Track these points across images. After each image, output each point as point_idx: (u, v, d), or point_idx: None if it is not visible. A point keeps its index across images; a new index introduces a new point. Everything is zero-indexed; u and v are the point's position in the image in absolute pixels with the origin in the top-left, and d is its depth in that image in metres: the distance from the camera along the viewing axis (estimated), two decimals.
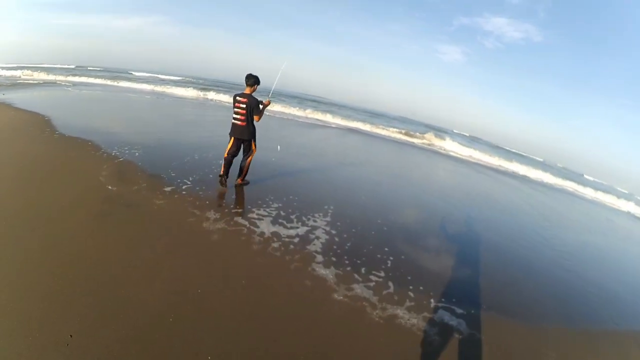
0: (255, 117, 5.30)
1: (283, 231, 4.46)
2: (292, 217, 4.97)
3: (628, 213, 16.77)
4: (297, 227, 4.67)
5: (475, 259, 5.02)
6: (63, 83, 24.33)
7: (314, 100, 44.48)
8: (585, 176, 38.13)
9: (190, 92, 26.96)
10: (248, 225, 4.42)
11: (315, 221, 4.98)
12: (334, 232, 4.77)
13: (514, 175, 17.71)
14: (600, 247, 7.96)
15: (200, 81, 46.69)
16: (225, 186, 5.58)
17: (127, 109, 14.45)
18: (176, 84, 34.82)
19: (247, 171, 5.78)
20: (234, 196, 5.40)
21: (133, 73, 46.67)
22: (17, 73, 28.23)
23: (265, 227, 4.48)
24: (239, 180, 5.84)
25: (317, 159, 9.99)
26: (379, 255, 4.39)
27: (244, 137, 5.44)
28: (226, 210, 4.79)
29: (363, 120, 26.27)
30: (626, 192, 31.64)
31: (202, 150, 7.89)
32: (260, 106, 5.28)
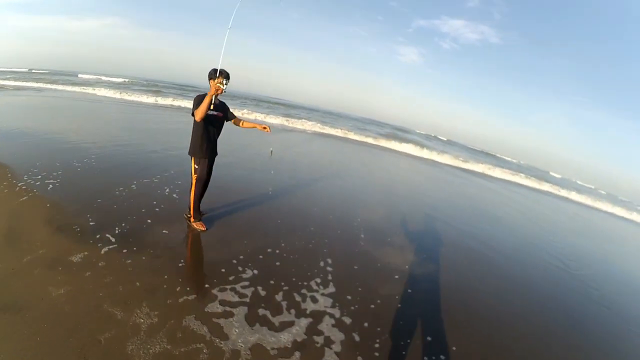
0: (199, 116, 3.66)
1: (269, 338, 2.68)
2: (279, 297, 3.21)
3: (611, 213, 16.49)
4: (291, 322, 2.91)
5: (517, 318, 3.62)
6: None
7: (269, 102, 42.74)
8: (551, 173, 38.66)
9: (140, 97, 23.35)
10: (209, 336, 2.58)
11: (314, 299, 3.28)
12: (347, 319, 3.08)
13: (482, 176, 16.79)
14: (619, 263, 7.35)
15: (152, 84, 43.15)
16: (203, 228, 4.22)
17: (63, 118, 11.95)
18: (125, 87, 31.57)
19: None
20: (181, 261, 3.49)
21: (79, 75, 42.51)
22: None
23: (239, 333, 2.68)
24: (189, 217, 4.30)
25: (292, 172, 8.19)
26: None
27: (215, 155, 4.14)
28: (170, 298, 2.92)
29: (327, 124, 24.76)
30: (592, 187, 32.46)
31: (144, 173, 5.96)
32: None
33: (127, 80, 42.61)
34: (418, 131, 51.95)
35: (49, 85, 25.65)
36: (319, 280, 3.59)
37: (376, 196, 7.69)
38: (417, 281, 4.06)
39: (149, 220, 4.17)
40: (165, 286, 3.03)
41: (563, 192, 18.89)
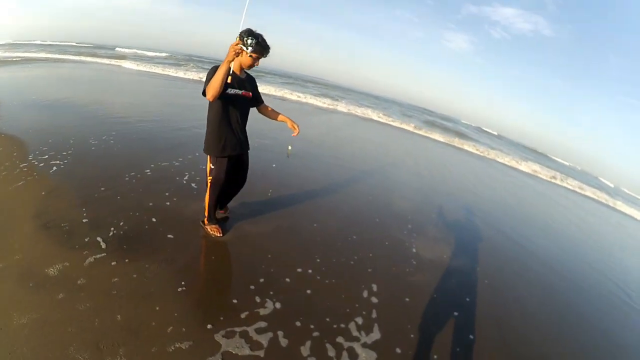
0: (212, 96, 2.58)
1: None
2: (305, 349, 2.35)
3: None
4: None
5: None
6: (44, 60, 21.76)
7: (315, 82, 42.13)
8: (601, 179, 35.67)
9: (176, 72, 22.48)
10: None
11: (352, 354, 2.39)
12: None
13: (534, 177, 15.11)
14: None
15: (190, 58, 43.00)
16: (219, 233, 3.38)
17: (92, 90, 11.61)
18: (160, 61, 31.20)
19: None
20: (182, 284, 2.68)
21: (116, 49, 42.97)
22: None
23: None
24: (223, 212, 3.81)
25: (332, 161, 7.24)
26: None
27: (246, 149, 3.21)
28: (156, 344, 2.14)
29: (372, 108, 23.56)
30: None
31: (165, 155, 5.28)
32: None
33: (165, 54, 42.75)
34: (464, 122, 49.78)
35: (88, 58, 25.71)
36: (360, 321, 2.69)
37: (425, 195, 6.63)
38: (483, 321, 3.10)
39: (153, 219, 3.44)
40: (153, 323, 2.25)
41: (621, 205, 16.63)
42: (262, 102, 3.13)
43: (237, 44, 2.49)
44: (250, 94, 2.93)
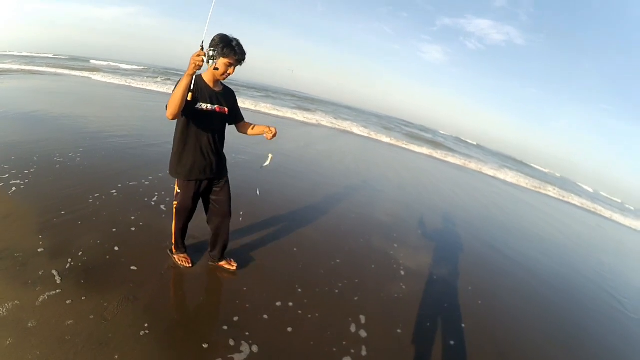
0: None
1: None
2: None
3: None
4: None
5: None
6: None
7: (289, 94, 42.10)
8: (580, 184, 36.71)
9: (149, 85, 21.43)
10: None
11: None
12: None
13: (515, 186, 15.28)
14: None
15: (167, 72, 42.30)
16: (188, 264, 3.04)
17: (63, 103, 11.35)
18: (136, 74, 30.44)
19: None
20: (145, 326, 2.39)
21: (91, 61, 41.87)
22: None
23: None
24: (226, 263, 3.16)
25: (313, 176, 7.01)
26: None
27: (221, 173, 2.76)
28: None
29: (351, 120, 23.68)
30: (619, 200, 30.47)
31: (133, 173, 4.97)
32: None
33: (142, 67, 42.05)
34: (442, 132, 50.83)
35: (62, 70, 24.89)
36: None
37: (410, 210, 6.49)
38: (481, 350, 2.88)
39: (116, 248, 3.12)
40: None
41: (601, 210, 17.00)
42: (243, 118, 2.75)
43: (198, 55, 2.04)
44: (227, 109, 2.54)
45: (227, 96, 2.57)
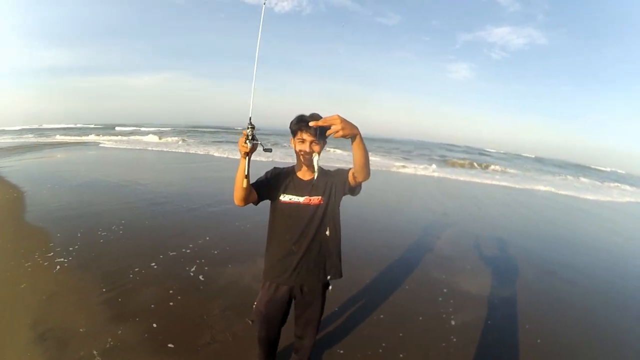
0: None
1: None
2: None
3: None
4: None
5: None
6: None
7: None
8: None
9: (195, 148, 22.59)
10: None
11: None
12: None
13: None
14: None
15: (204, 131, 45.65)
16: None
17: (101, 172, 12.28)
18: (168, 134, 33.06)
19: None
20: None
21: (116, 128, 45.87)
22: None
23: None
24: None
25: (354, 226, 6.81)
26: None
27: (309, 281, 2.24)
28: None
29: (401, 155, 24.02)
30: None
31: (174, 242, 5.16)
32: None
33: (170, 128, 45.21)
34: (491, 150, 49.96)
35: (97, 138, 27.79)
36: None
37: (455, 243, 6.06)
38: None
39: (154, 325, 3.28)
40: None
41: None
42: (355, 187, 2.11)
43: (242, 138, 1.79)
44: (320, 198, 2.12)
45: (324, 181, 2.15)
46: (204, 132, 45.83)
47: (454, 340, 3.41)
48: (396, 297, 4.15)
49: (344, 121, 1.65)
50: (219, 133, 42.97)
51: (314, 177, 2.03)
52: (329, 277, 2.23)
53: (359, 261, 5.04)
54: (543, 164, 36.28)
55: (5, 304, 3.53)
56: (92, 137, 29.41)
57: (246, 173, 1.86)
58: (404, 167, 18.72)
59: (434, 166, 19.42)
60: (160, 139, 28.52)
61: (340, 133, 1.65)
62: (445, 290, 4.39)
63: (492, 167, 22.56)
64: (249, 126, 1.76)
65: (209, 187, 9.59)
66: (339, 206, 2.16)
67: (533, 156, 48.66)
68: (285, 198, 2.11)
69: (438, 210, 8.81)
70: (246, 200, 1.96)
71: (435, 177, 16.20)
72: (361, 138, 1.74)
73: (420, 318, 3.75)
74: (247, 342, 3.06)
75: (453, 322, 3.70)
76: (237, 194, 1.92)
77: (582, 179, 21.21)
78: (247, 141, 1.75)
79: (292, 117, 2.03)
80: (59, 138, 28.87)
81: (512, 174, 21.17)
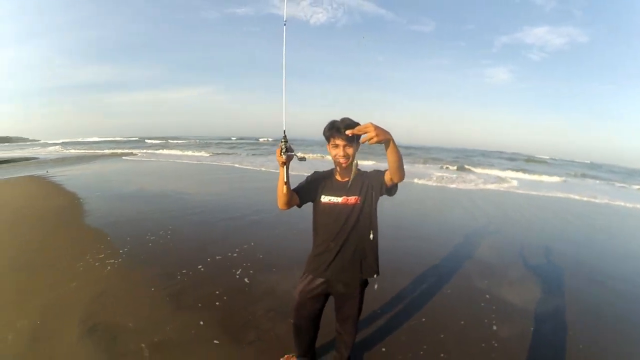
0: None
1: None
2: None
3: None
4: None
5: None
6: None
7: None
8: None
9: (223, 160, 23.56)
10: None
11: None
12: None
13: None
14: None
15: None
16: None
17: (148, 182, 12.94)
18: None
19: None
20: None
21: (146, 140, 48.33)
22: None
23: None
24: None
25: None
26: None
27: (345, 277, 2.36)
28: None
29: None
30: None
31: (219, 247, 5.34)
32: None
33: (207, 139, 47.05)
34: (544, 156, 47.64)
35: (139, 151, 29.20)
36: None
37: (497, 251, 5.57)
38: None
39: (201, 322, 3.38)
40: None
41: None
42: (391, 188, 2.22)
43: (278, 150, 2.04)
44: (357, 198, 2.26)
45: (360, 182, 2.28)
46: (238, 144, 48.14)
47: (495, 345, 3.28)
48: (438, 301, 4.08)
49: (377, 128, 1.79)
50: (253, 144, 44.61)
51: (349, 179, 2.18)
52: (364, 275, 2.34)
53: (404, 265, 5.01)
54: (600, 170, 34.13)
55: (58, 299, 3.79)
56: (129, 150, 31.80)
57: (285, 180, 2.11)
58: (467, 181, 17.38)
59: (514, 182, 17.62)
60: (195, 152, 30.60)
61: (375, 139, 1.78)
62: (487, 296, 4.23)
63: (559, 178, 21.13)
64: (283, 140, 2.03)
65: (248, 197, 9.84)
66: (376, 206, 2.28)
67: (588, 162, 46.15)
68: (324, 199, 2.31)
69: (482, 218, 8.51)
70: (289, 204, 2.21)
71: (520, 193, 13.92)
72: (394, 143, 1.87)
73: (462, 322, 3.64)
74: (290, 342, 3.07)
75: (495, 327, 3.56)
76: (280, 199, 2.17)
77: (634, 187, 19.63)
78: (282, 153, 2.01)
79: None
80: (98, 151, 31.55)
81: (575, 183, 19.74)
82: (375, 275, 2.33)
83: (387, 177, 2.15)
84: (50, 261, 4.81)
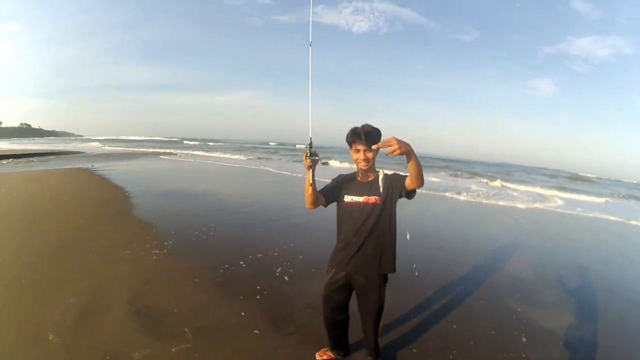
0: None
1: None
2: None
3: None
4: None
5: None
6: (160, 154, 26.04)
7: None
8: None
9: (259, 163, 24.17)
10: None
11: None
12: None
13: None
14: None
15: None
16: None
17: (197, 180, 13.50)
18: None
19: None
20: None
21: (184, 142, 49.60)
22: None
23: None
24: None
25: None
26: None
27: (365, 271, 2.51)
28: None
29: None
30: None
31: (260, 246, 5.47)
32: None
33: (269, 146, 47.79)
34: (586, 174, 44.96)
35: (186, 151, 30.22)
36: None
37: (535, 268, 5.41)
38: None
39: (242, 313, 3.49)
40: None
41: None
42: (411, 192, 2.36)
43: (304, 155, 2.29)
44: (377, 198, 2.42)
45: (378, 183, 2.42)
46: (277, 149, 49.40)
47: (524, 356, 3.21)
48: (469, 310, 4.05)
49: (399, 142, 1.99)
50: (291, 150, 45.77)
51: (369, 180, 2.49)
52: (383, 270, 2.49)
53: (439, 273, 4.99)
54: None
55: (106, 281, 4.04)
56: (168, 150, 32.93)
57: (311, 182, 2.33)
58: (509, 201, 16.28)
59: (559, 201, 16.63)
60: (232, 154, 31.91)
61: (397, 152, 1.98)
62: (519, 309, 4.14)
63: (603, 198, 19.80)
64: (308, 146, 2.28)
65: (288, 201, 10.01)
66: (395, 206, 2.46)
67: (635, 181, 43.46)
68: (347, 198, 2.50)
69: (520, 235, 8.25)
70: (315, 204, 2.44)
71: (560, 212, 12.87)
72: (414, 155, 2.07)
73: (492, 332, 3.59)
74: (326, 338, 3.13)
75: (524, 340, 3.48)
76: (307, 199, 2.41)
77: None
78: (308, 158, 2.25)
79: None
80: (138, 149, 32.83)
81: (619, 204, 18.41)
82: (392, 272, 2.50)
83: (407, 181, 2.31)
84: (99, 246, 5.13)
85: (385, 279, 2.54)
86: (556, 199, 17.02)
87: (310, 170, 2.31)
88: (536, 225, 9.97)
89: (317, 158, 2.31)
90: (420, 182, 2.22)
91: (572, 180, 34.02)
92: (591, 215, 12.50)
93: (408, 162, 2.11)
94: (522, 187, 20.70)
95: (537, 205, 13.83)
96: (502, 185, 20.96)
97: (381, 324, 2.62)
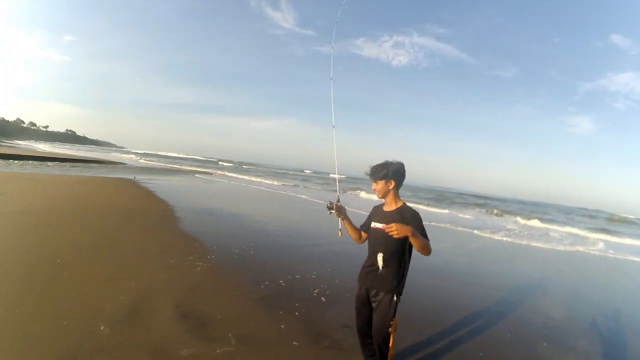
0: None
1: None
2: None
3: None
4: None
5: None
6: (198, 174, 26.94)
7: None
8: None
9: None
10: None
11: None
12: None
13: None
14: None
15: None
16: None
17: (240, 202, 13.92)
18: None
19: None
20: None
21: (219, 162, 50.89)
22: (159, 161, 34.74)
23: None
24: None
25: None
26: None
27: (374, 287, 2.82)
28: None
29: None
30: None
31: (299, 268, 5.69)
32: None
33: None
34: (627, 215, 42.18)
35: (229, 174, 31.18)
36: None
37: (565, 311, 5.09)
38: None
39: (282, 326, 3.67)
40: None
41: None
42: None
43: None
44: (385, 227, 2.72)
45: (398, 215, 2.76)
46: (310, 177, 50.91)
47: None
48: (497, 341, 4.15)
49: (399, 227, 2.40)
50: (324, 179, 46.45)
51: (391, 209, 2.84)
52: (385, 288, 2.75)
53: (469, 306, 5.08)
54: None
55: (153, 284, 4.36)
56: (205, 169, 34.37)
57: (340, 227, 3.06)
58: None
59: (600, 244, 15.61)
60: (266, 179, 32.71)
61: (397, 236, 2.43)
62: (545, 344, 4.18)
63: None
64: (327, 206, 2.97)
65: (319, 228, 10.19)
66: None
67: None
68: (373, 224, 2.91)
69: (555, 276, 8.07)
70: (360, 240, 3.04)
71: (598, 255, 11.68)
72: (413, 236, 2.46)
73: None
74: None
75: None
76: (352, 238, 3.06)
77: None
78: (330, 212, 2.98)
79: (408, 168, 2.86)
80: (176, 165, 34.13)
81: None
82: (389, 293, 2.74)
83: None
84: (147, 252, 5.54)
85: (393, 299, 2.74)
86: (594, 240, 16.65)
87: (339, 219, 3.00)
88: (572, 267, 9.82)
89: (332, 210, 2.96)
90: (425, 254, 2.58)
91: (610, 221, 32.49)
92: (638, 259, 12.12)
93: (411, 241, 2.55)
94: (559, 228, 20.12)
95: (578, 247, 13.43)
96: (542, 226, 20.39)
97: (391, 350, 2.72)
